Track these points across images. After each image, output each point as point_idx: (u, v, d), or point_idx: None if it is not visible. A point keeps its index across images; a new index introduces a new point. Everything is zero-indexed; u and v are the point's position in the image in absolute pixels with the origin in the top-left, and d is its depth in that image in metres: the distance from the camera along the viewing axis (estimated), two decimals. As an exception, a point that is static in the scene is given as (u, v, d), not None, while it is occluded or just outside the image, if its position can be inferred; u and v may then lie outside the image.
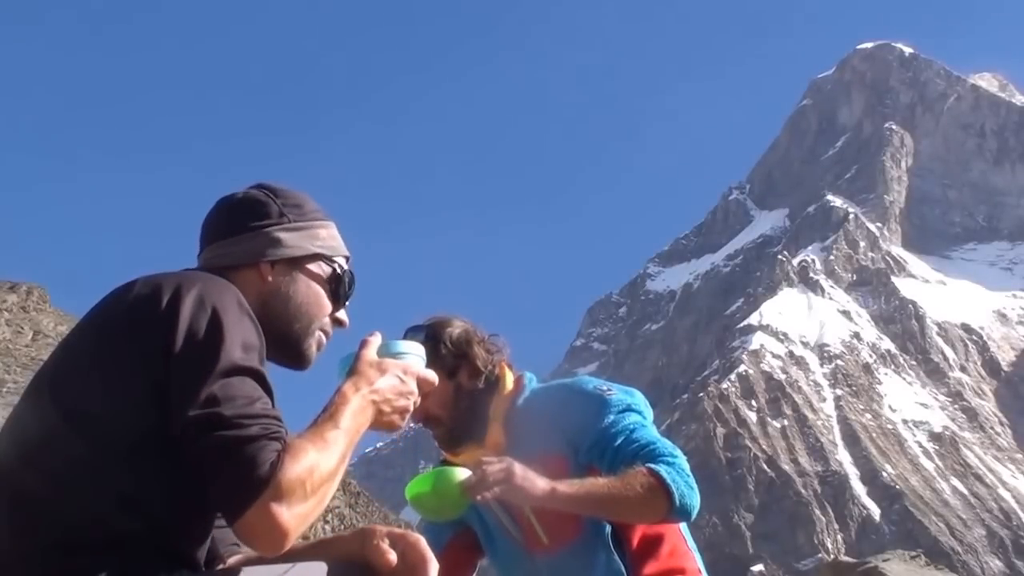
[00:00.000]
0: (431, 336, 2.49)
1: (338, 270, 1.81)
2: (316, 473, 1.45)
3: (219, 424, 1.42)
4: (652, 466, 2.26)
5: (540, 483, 2.20)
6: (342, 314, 1.82)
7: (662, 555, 2.43)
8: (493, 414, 2.52)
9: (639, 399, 2.50)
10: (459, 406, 2.51)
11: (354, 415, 1.56)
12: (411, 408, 1.67)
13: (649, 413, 2.50)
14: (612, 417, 2.40)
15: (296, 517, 1.42)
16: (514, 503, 2.34)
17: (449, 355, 2.51)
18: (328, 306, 1.79)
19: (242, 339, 1.51)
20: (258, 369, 1.51)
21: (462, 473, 2.17)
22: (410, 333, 2.50)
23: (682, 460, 2.32)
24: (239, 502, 1.40)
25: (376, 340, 1.70)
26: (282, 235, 1.75)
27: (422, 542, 1.61)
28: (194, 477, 1.44)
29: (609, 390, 2.48)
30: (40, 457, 1.46)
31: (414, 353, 1.72)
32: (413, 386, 1.68)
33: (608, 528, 2.42)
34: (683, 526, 2.48)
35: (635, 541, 2.43)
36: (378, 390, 1.61)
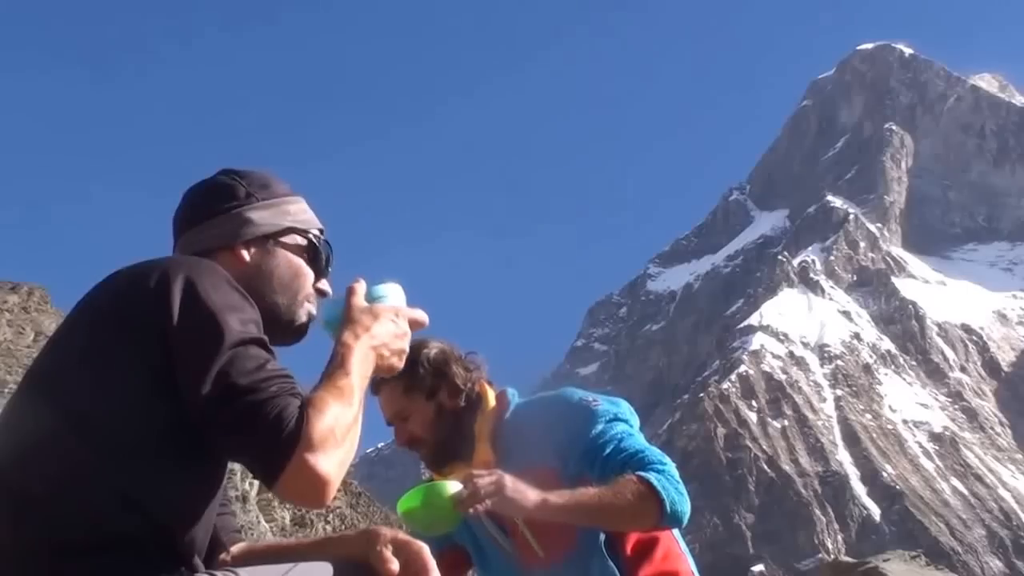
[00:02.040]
0: (409, 359, 2.54)
1: (313, 240, 1.81)
2: (341, 420, 1.48)
3: (237, 394, 1.43)
4: (642, 474, 2.28)
5: (531, 494, 2.21)
6: (324, 284, 1.83)
7: (656, 559, 2.44)
8: (479, 432, 2.52)
9: (625, 408, 2.51)
10: (442, 426, 2.50)
11: (360, 362, 1.58)
12: (407, 349, 1.71)
13: (635, 422, 2.51)
14: (600, 427, 2.41)
15: (334, 465, 1.44)
16: (507, 515, 2.35)
17: (427, 376, 2.50)
18: (310, 276, 1.80)
19: (238, 313, 1.52)
20: (260, 337, 1.53)
21: (453, 487, 2.16)
22: None
23: (671, 467, 2.33)
24: (275, 463, 1.41)
25: (361, 287, 1.72)
26: (252, 214, 1.75)
27: (425, 551, 1.60)
28: (224, 452, 1.48)
29: (595, 401, 2.49)
30: (37, 456, 1.46)
31: (396, 295, 1.75)
32: (406, 327, 1.71)
33: (603, 536, 2.42)
34: (675, 530, 2.48)
35: (629, 547, 2.44)
36: (376, 335, 1.63)
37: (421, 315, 1.75)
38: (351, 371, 1.55)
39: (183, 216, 1.78)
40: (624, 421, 2.45)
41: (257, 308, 1.59)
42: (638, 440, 2.41)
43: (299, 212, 1.82)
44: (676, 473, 2.33)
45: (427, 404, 2.50)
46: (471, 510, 2.16)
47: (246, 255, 1.74)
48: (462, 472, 2.40)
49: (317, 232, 1.83)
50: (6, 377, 14.77)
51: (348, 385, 1.53)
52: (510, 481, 2.19)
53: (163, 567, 1.44)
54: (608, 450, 2.37)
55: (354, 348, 1.59)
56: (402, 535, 1.62)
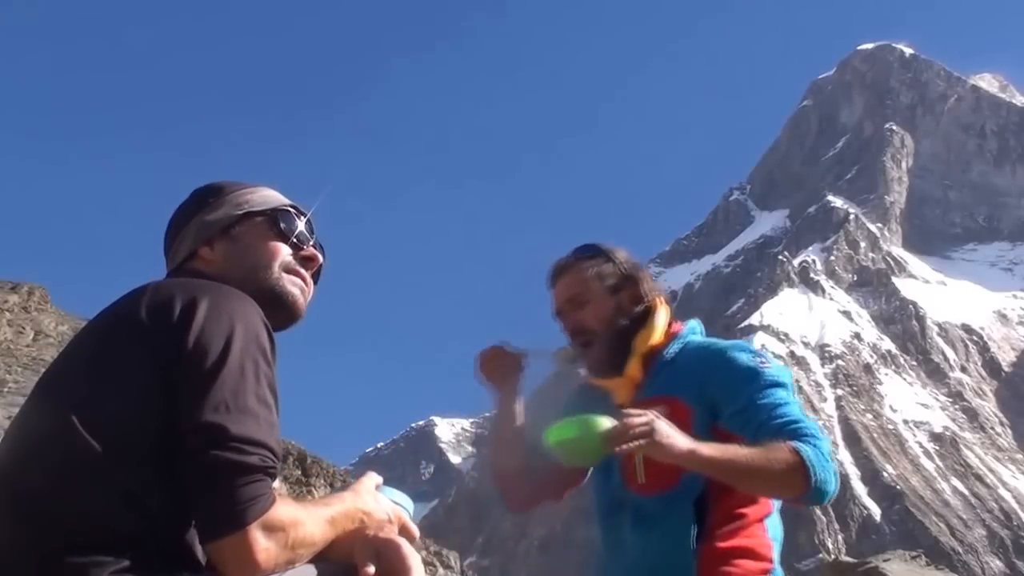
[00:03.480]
0: (602, 253, 2.57)
1: (267, 211, 1.82)
2: (300, 529, 1.51)
3: (223, 441, 1.45)
4: (796, 444, 2.22)
5: (682, 442, 2.16)
6: (307, 251, 1.83)
7: (738, 532, 2.39)
8: (637, 347, 2.51)
9: (789, 377, 2.46)
10: (614, 324, 2.51)
11: (343, 515, 1.62)
12: (382, 543, 1.68)
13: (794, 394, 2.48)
14: (761, 389, 2.36)
15: (270, 557, 1.46)
16: (653, 458, 2.24)
17: (617, 273, 2.54)
18: (281, 248, 1.80)
19: (257, 345, 1.54)
20: (270, 380, 1.55)
21: (607, 422, 2.16)
22: (579, 251, 2.58)
23: (825, 442, 2.28)
24: (223, 527, 1.44)
25: (377, 478, 1.78)
26: (208, 216, 1.80)
27: (404, 549, 1.63)
28: (183, 482, 1.47)
29: (764, 362, 2.44)
30: (43, 457, 1.47)
31: (404, 506, 1.78)
32: (393, 531, 1.71)
33: (698, 492, 2.38)
34: (770, 518, 2.46)
35: (718, 512, 2.39)
36: (369, 513, 1.67)
37: (413, 529, 1.76)
38: (330, 513, 1.59)
39: (165, 242, 1.86)
40: (785, 388, 2.41)
41: (272, 344, 1.60)
42: (796, 409, 2.35)
43: (260, 199, 1.84)
44: (828, 450, 2.27)
45: (608, 298, 2.51)
46: (618, 448, 2.13)
47: (210, 253, 1.78)
48: (612, 382, 2.49)
49: (278, 207, 1.84)
50: (6, 376, 14.72)
51: (321, 515, 1.57)
52: (662, 425, 2.15)
53: (164, 566, 1.46)
54: (765, 414, 2.32)
55: (345, 502, 1.64)
56: (384, 534, 1.65)
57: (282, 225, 1.81)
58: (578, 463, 2.29)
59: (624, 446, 2.11)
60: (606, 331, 2.50)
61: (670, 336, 2.56)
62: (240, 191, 1.85)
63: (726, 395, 2.38)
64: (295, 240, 1.82)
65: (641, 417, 2.14)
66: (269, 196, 1.86)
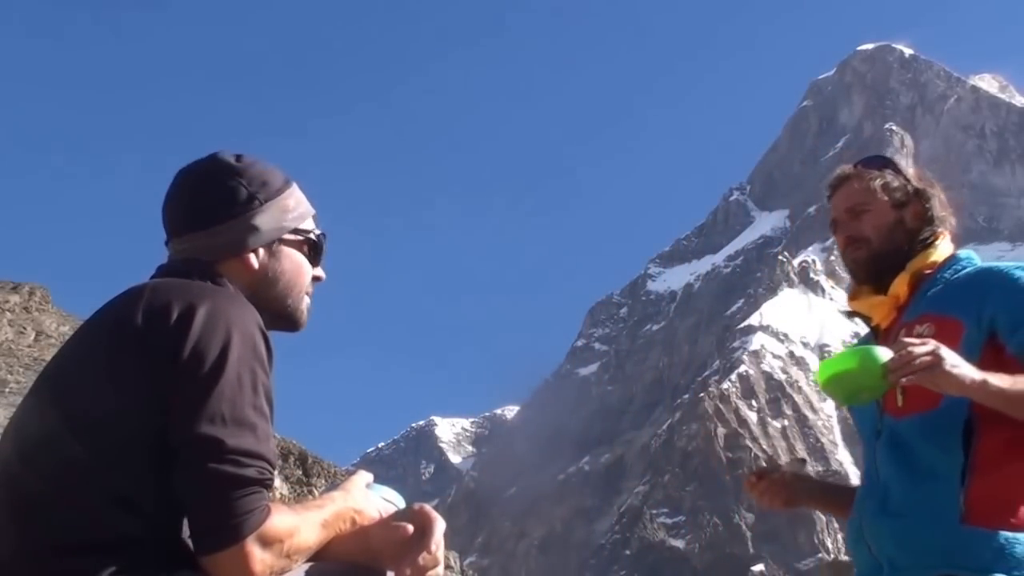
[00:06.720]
0: (892, 164, 2.44)
1: (312, 236, 1.83)
2: (296, 537, 1.51)
3: (219, 453, 1.45)
4: None
5: (969, 372, 1.97)
6: (319, 271, 1.86)
7: (1009, 476, 2.11)
8: (910, 267, 2.35)
9: None
10: (890, 239, 2.36)
11: (335, 516, 1.62)
12: (388, 542, 1.67)
13: None
14: None
15: (266, 568, 1.46)
16: (935, 390, 2.03)
17: (907, 187, 2.40)
18: (310, 270, 1.83)
19: (254, 354, 1.53)
20: (266, 389, 1.54)
21: (886, 353, 1.98)
22: (866, 160, 2.45)
23: None
24: (219, 541, 1.44)
25: (368, 476, 1.78)
26: (257, 220, 1.73)
27: (427, 507, 1.65)
28: (179, 494, 1.47)
29: None
30: (41, 458, 1.48)
31: (395, 504, 1.78)
32: (395, 527, 1.70)
33: (964, 417, 2.13)
34: None
35: (989, 442, 2.12)
36: (360, 512, 1.67)
37: (407, 528, 1.70)
38: (324, 515, 1.60)
39: (182, 214, 1.75)
40: None
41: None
42: None
43: (296, 206, 1.81)
44: None
45: (890, 211, 2.37)
46: (902, 380, 1.96)
47: (255, 262, 1.74)
48: (870, 300, 2.35)
49: (312, 223, 1.84)
50: (7, 377, 14.74)
51: (316, 519, 1.57)
52: (948, 354, 1.96)
53: (164, 567, 1.46)
54: None
55: (337, 503, 1.64)
56: (391, 509, 1.70)
57: (318, 252, 1.84)
58: (855, 400, 2.10)
59: (908, 377, 1.94)
60: (878, 243, 2.35)
61: (943, 264, 2.36)
62: (283, 193, 1.79)
63: (1012, 316, 2.14)
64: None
65: (925, 345, 1.97)
66: (303, 203, 1.84)
